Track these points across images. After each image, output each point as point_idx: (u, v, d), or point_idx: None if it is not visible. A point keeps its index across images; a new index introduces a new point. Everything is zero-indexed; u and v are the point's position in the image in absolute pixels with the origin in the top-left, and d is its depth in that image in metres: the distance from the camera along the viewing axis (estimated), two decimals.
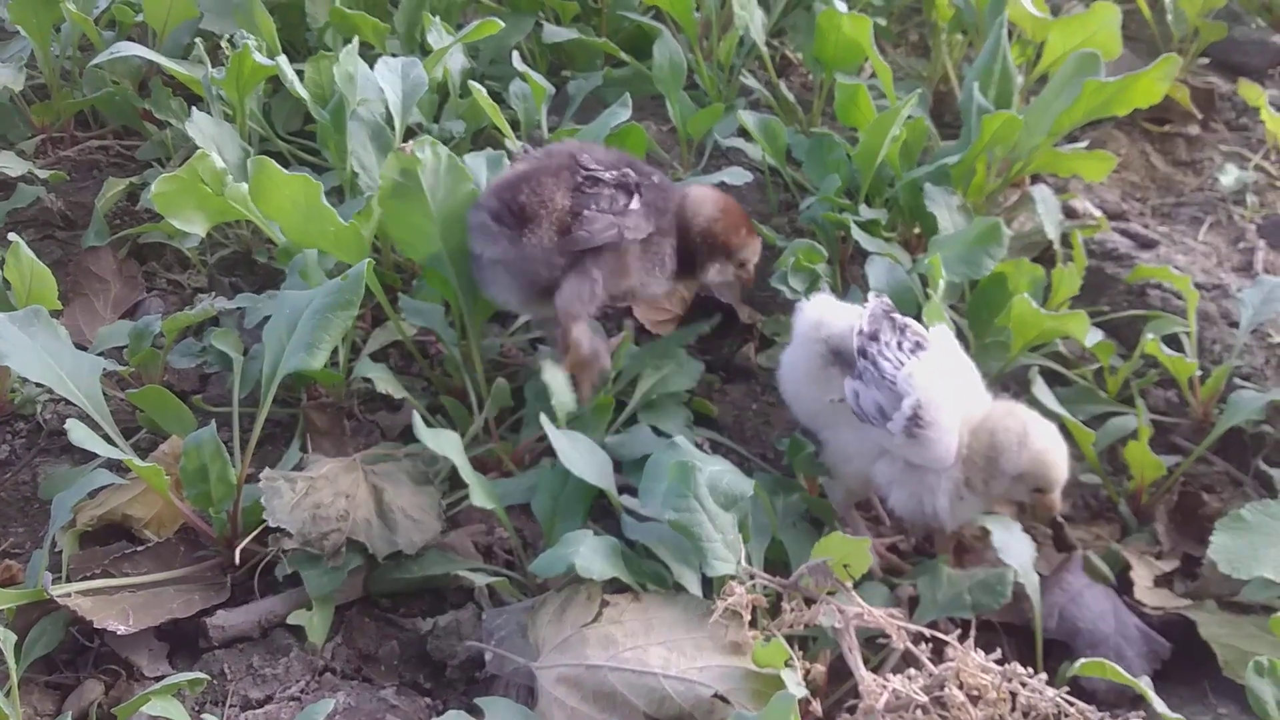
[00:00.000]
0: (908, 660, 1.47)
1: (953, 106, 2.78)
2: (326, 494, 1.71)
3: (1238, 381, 2.06)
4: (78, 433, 1.62)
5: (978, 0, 2.62)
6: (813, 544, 1.52)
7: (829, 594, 1.49)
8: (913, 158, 2.34)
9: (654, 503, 1.58)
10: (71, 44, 2.80)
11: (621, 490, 1.69)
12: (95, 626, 1.59)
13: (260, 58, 2.29)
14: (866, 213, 2.22)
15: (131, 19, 2.79)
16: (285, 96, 2.59)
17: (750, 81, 2.76)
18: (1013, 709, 1.37)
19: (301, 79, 2.36)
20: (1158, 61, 2.16)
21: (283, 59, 2.32)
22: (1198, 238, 2.51)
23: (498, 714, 1.44)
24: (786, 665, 1.41)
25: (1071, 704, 1.37)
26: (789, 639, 1.46)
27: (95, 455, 1.67)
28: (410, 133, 2.49)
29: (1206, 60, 3.05)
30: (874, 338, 1.64)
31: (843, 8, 2.43)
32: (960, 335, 1.82)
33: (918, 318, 1.75)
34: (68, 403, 1.87)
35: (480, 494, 1.63)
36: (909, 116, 2.22)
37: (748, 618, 1.46)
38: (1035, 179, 2.50)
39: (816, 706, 1.46)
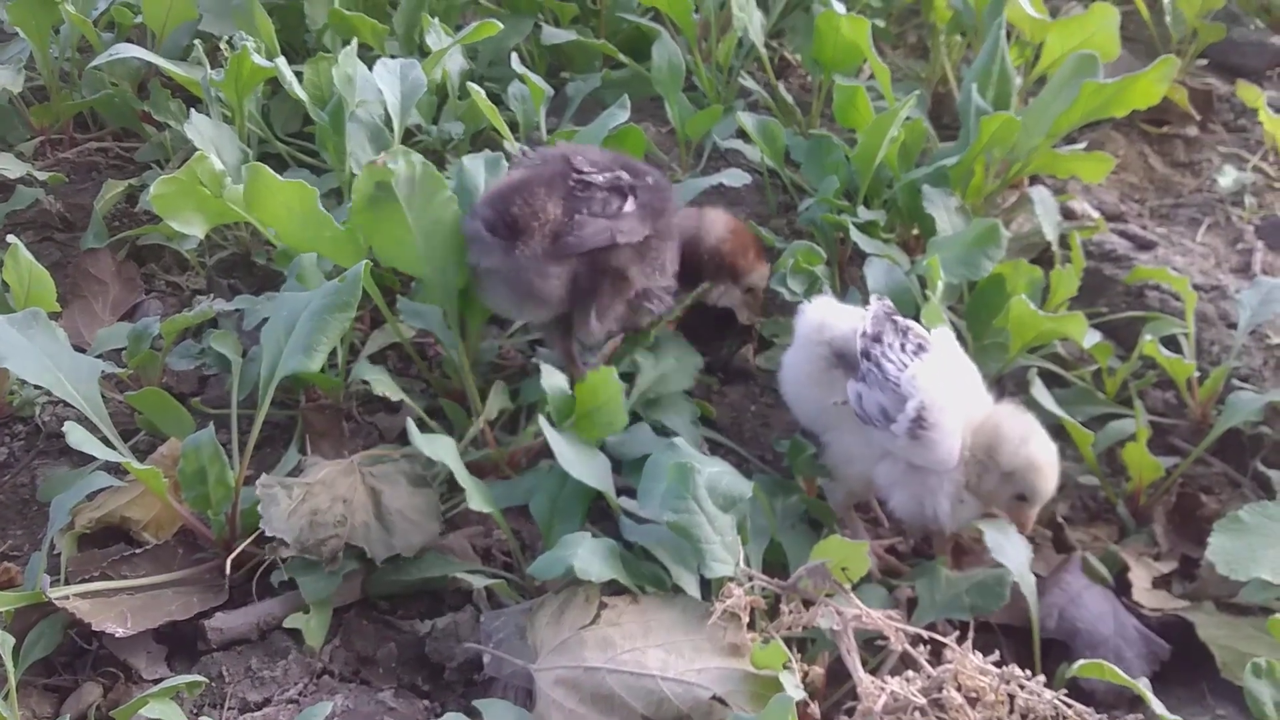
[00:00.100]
0: (906, 662, 1.47)
1: (951, 108, 2.78)
2: (324, 499, 1.71)
3: (1236, 383, 2.06)
4: (76, 435, 1.62)
5: (976, 1, 2.62)
6: (811, 546, 1.52)
7: (827, 596, 1.49)
8: (911, 159, 2.34)
9: (652, 504, 1.58)
10: (70, 46, 2.80)
11: (620, 492, 1.69)
12: (94, 629, 1.59)
13: (259, 59, 2.29)
14: (865, 214, 2.22)
15: (130, 20, 2.79)
16: (284, 98, 2.59)
17: (749, 83, 2.76)
18: (1011, 711, 1.37)
19: (300, 81, 2.36)
20: (1156, 63, 2.16)
21: (281, 61, 2.32)
22: (1196, 239, 2.51)
23: (496, 716, 1.44)
24: (785, 667, 1.41)
25: (1070, 706, 1.37)
26: (787, 641, 1.46)
27: (94, 457, 1.67)
28: (409, 134, 2.50)
29: (1205, 61, 3.05)
30: (877, 340, 1.64)
31: (841, 9, 2.43)
32: (959, 336, 1.82)
33: (916, 319, 1.75)
34: (66, 405, 1.88)
35: (477, 498, 1.63)
36: (907, 118, 2.22)
37: (746, 620, 1.46)
38: (1033, 180, 2.50)
39: (815, 709, 1.45)
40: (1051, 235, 2.26)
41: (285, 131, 2.66)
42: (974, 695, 1.37)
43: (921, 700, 1.36)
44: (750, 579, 1.52)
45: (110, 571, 1.72)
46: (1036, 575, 1.62)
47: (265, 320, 1.82)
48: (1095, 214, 2.51)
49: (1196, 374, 2.01)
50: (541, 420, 1.69)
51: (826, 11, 2.44)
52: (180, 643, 1.67)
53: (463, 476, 1.64)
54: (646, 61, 2.59)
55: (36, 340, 1.72)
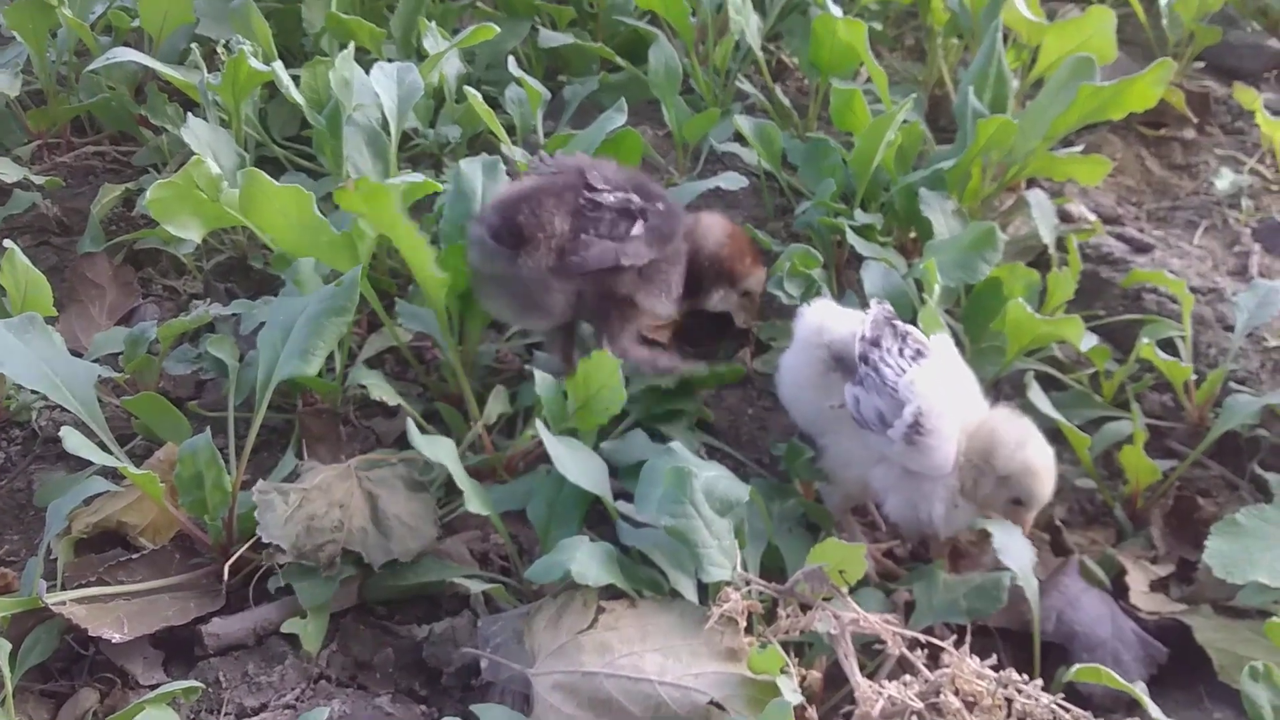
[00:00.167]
0: (903, 666, 1.47)
1: (948, 111, 2.79)
2: (320, 505, 1.70)
3: (1233, 385, 2.06)
4: (72, 440, 1.62)
5: (973, 4, 2.62)
6: (809, 549, 1.52)
7: (825, 600, 1.49)
8: (908, 162, 2.34)
9: (649, 508, 1.57)
10: (68, 50, 2.80)
11: (618, 496, 1.69)
12: (90, 634, 1.58)
13: (256, 63, 2.29)
14: (862, 217, 2.23)
15: (128, 24, 2.79)
16: (281, 102, 2.58)
17: (746, 86, 2.76)
18: (1008, 715, 1.37)
19: (297, 84, 2.36)
20: (1153, 66, 2.16)
21: (279, 64, 2.32)
22: (1193, 242, 2.52)
23: None
24: (782, 672, 1.41)
25: (1067, 710, 1.37)
26: (785, 645, 1.46)
27: (90, 462, 1.67)
28: (406, 138, 2.50)
29: (1202, 64, 3.05)
30: (876, 344, 1.64)
31: (838, 12, 2.43)
32: (955, 340, 1.82)
33: (913, 322, 1.76)
34: (63, 409, 1.87)
35: (475, 501, 1.63)
36: (904, 121, 2.22)
37: (743, 624, 1.46)
38: (1030, 183, 2.51)
39: (812, 713, 1.45)
40: (1048, 238, 2.26)
41: (282, 135, 2.66)
42: (971, 699, 1.37)
43: (919, 704, 1.36)
44: (747, 583, 1.52)
45: (107, 577, 1.72)
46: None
47: (262, 324, 1.82)
48: (1092, 217, 2.51)
49: (1194, 377, 2.01)
50: (538, 424, 1.69)
51: (823, 15, 2.44)
52: (177, 648, 1.67)
53: (461, 479, 1.63)
54: (643, 65, 2.59)
55: (33, 345, 1.72)
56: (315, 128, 2.28)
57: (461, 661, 1.63)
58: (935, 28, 2.83)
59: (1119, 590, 1.76)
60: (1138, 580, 1.78)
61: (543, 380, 1.78)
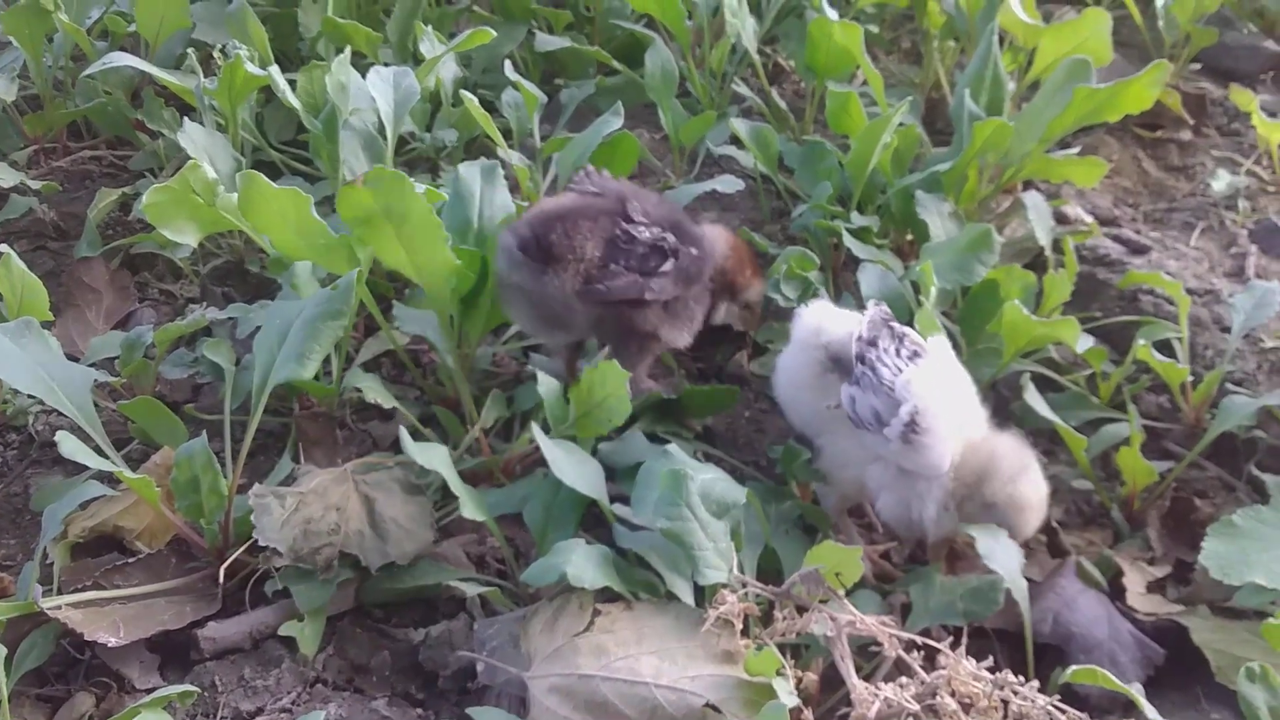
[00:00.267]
0: (900, 668, 1.47)
1: (944, 113, 2.79)
2: (317, 508, 1.70)
3: (1230, 387, 2.06)
4: (68, 444, 1.62)
5: (969, 7, 2.63)
6: (805, 552, 1.52)
7: (821, 602, 1.49)
8: (904, 165, 2.35)
9: (646, 511, 1.57)
10: (64, 54, 2.80)
11: (614, 499, 1.69)
12: (86, 639, 1.58)
13: (253, 68, 2.29)
14: (858, 220, 2.23)
15: (124, 29, 2.79)
16: (278, 106, 2.59)
17: (742, 89, 2.77)
18: (1005, 716, 1.37)
19: (294, 89, 2.36)
20: (1149, 67, 2.17)
21: (275, 69, 2.32)
22: (1189, 243, 2.52)
23: None
24: (778, 674, 1.41)
25: (1063, 711, 1.37)
26: (781, 647, 1.46)
27: (87, 466, 1.66)
28: (403, 142, 2.50)
29: (1198, 66, 3.05)
30: (872, 344, 1.64)
31: (834, 15, 2.44)
32: (952, 342, 1.82)
33: (910, 324, 1.76)
34: (59, 414, 1.87)
35: (470, 506, 1.63)
36: (900, 124, 2.23)
37: (740, 626, 1.46)
38: (1027, 185, 2.51)
39: (808, 715, 1.45)
40: (1045, 240, 2.26)
41: (279, 140, 2.67)
42: (968, 701, 1.37)
43: (915, 706, 1.36)
44: (744, 585, 1.52)
45: (103, 581, 1.71)
46: (1031, 580, 1.62)
47: (259, 328, 1.82)
48: (1088, 218, 2.51)
49: (1190, 378, 2.01)
50: (534, 428, 1.69)
51: (819, 18, 2.44)
52: (173, 652, 1.67)
53: (456, 485, 1.63)
54: (640, 68, 2.59)
55: (29, 349, 1.72)
56: (312, 132, 2.28)
57: (458, 664, 1.62)
58: (931, 30, 2.83)
59: (1116, 591, 1.76)
60: (1135, 581, 1.78)
61: (546, 383, 1.78)
